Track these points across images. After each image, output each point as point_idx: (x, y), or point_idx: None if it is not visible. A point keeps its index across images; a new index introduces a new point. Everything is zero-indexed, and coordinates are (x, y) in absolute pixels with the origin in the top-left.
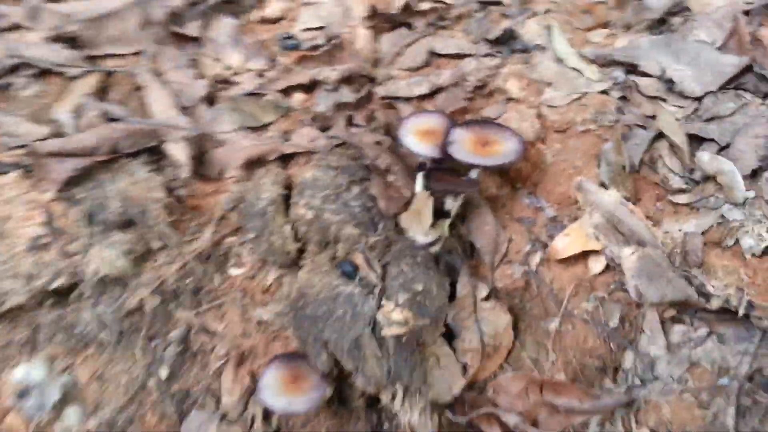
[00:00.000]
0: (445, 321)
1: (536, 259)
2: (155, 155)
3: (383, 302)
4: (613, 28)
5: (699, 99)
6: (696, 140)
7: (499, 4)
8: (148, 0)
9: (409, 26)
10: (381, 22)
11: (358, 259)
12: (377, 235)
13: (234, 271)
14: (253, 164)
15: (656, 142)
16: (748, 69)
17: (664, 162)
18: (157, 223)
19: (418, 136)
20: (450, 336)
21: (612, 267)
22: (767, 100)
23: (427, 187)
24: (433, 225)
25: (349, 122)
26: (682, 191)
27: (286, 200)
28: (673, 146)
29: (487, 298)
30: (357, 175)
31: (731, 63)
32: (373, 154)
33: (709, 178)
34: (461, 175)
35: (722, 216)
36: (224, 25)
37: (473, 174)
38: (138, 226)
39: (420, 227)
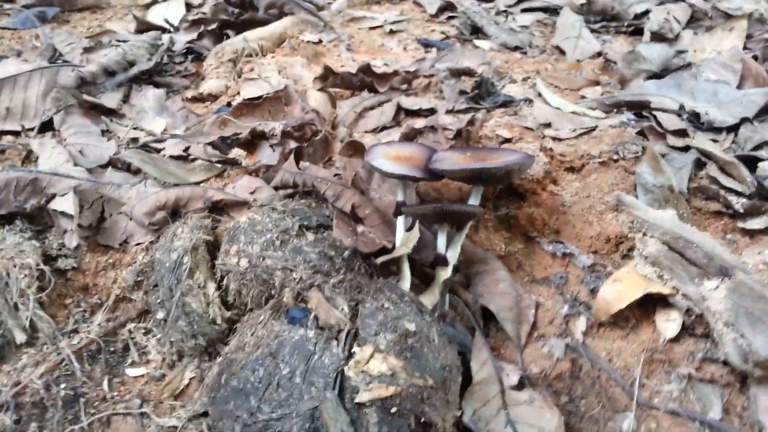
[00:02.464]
0: (459, 408)
1: (580, 325)
2: (37, 223)
3: (355, 349)
4: (606, 86)
5: (732, 130)
6: (746, 164)
7: (470, 74)
8: (57, 66)
9: (370, 89)
10: (337, 85)
11: (313, 299)
12: (341, 275)
13: (131, 372)
14: (167, 218)
15: (699, 170)
16: None
17: (720, 185)
18: (22, 305)
19: (390, 160)
20: None
21: (692, 323)
22: None
23: (411, 224)
24: (420, 289)
25: (299, 160)
26: (754, 214)
27: (212, 252)
28: (725, 168)
29: (519, 387)
30: (312, 221)
31: (759, 93)
32: (332, 193)
33: None
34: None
35: None
36: (148, 96)
37: (472, 201)
38: None
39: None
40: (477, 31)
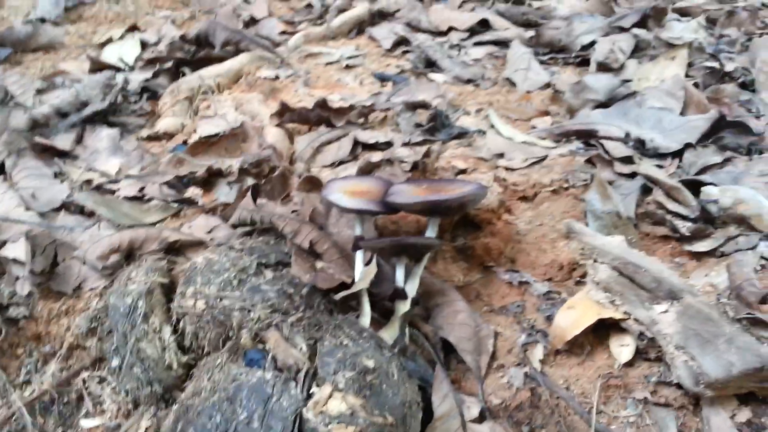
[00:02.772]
0: None
1: (537, 353)
2: None
3: (314, 389)
4: (556, 116)
5: (677, 155)
6: (690, 189)
7: (426, 107)
8: (9, 108)
9: (327, 124)
10: (294, 120)
11: (271, 339)
12: (300, 312)
13: (86, 423)
14: (122, 261)
15: (646, 196)
16: (720, 121)
17: (666, 210)
18: None
19: (347, 194)
20: None
21: (645, 347)
22: (752, 155)
23: (369, 259)
24: (380, 324)
25: (256, 197)
26: (700, 237)
27: (168, 295)
28: (670, 193)
29: (480, 420)
30: (270, 258)
31: (701, 119)
32: (290, 230)
33: (727, 216)
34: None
35: (762, 256)
36: (102, 136)
37: (429, 233)
38: None
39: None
40: (431, 65)
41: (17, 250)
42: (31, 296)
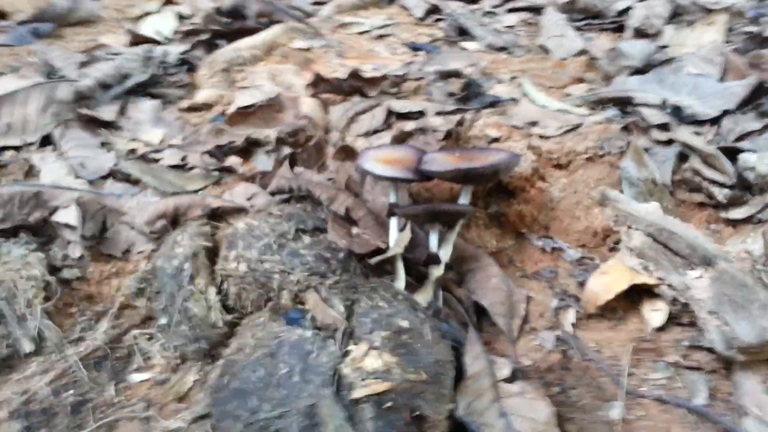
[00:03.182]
0: (452, 402)
1: (569, 317)
2: (41, 235)
3: (350, 347)
4: (591, 83)
5: (715, 122)
6: (728, 156)
7: (458, 75)
8: (54, 81)
9: (361, 94)
10: (328, 91)
11: (310, 300)
12: (337, 276)
13: (136, 377)
14: (168, 226)
15: (682, 163)
16: (759, 87)
17: (702, 177)
18: (29, 315)
19: (382, 162)
20: None
21: (677, 312)
22: None
23: (403, 225)
24: (415, 288)
25: (293, 165)
26: (736, 204)
27: (212, 258)
28: (707, 160)
29: (511, 380)
30: (308, 224)
31: (740, 85)
32: (326, 197)
33: (764, 183)
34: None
35: None
36: (144, 107)
37: (462, 200)
38: (2, 320)
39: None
40: (463, 33)
41: (69, 215)
42: (82, 259)
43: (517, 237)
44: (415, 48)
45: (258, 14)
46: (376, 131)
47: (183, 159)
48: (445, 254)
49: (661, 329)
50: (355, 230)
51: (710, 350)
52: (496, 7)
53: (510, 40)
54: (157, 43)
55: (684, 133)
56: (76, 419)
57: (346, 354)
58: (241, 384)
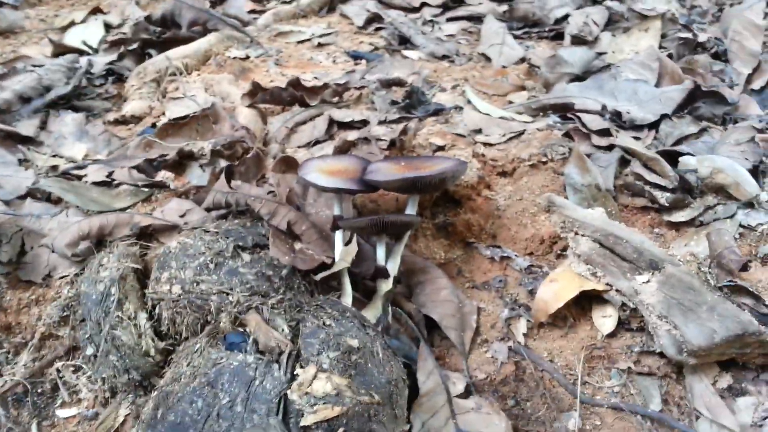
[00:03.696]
0: (407, 422)
1: (521, 327)
2: None
3: (297, 371)
4: (532, 90)
5: (653, 127)
6: (668, 160)
7: (401, 84)
8: None
9: (301, 103)
10: (266, 101)
11: (252, 322)
12: (280, 294)
13: (62, 413)
14: (92, 248)
15: (624, 168)
16: (695, 91)
17: (645, 181)
18: None
19: (325, 173)
20: None
21: (627, 317)
22: (728, 124)
23: (349, 238)
24: (362, 304)
25: (230, 179)
26: (679, 207)
27: (142, 281)
28: (648, 164)
29: (466, 395)
30: (247, 241)
31: (677, 89)
32: (266, 211)
33: (705, 185)
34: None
35: (741, 224)
36: (67, 121)
37: (409, 210)
38: None
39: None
40: (405, 42)
41: None
42: None
43: (465, 247)
44: (356, 57)
45: (191, 23)
46: (317, 141)
47: (109, 175)
48: (393, 267)
49: (612, 335)
50: (298, 245)
51: (661, 355)
52: (436, 16)
53: (451, 48)
54: (82, 53)
55: (624, 138)
56: None
57: (292, 379)
58: (177, 417)
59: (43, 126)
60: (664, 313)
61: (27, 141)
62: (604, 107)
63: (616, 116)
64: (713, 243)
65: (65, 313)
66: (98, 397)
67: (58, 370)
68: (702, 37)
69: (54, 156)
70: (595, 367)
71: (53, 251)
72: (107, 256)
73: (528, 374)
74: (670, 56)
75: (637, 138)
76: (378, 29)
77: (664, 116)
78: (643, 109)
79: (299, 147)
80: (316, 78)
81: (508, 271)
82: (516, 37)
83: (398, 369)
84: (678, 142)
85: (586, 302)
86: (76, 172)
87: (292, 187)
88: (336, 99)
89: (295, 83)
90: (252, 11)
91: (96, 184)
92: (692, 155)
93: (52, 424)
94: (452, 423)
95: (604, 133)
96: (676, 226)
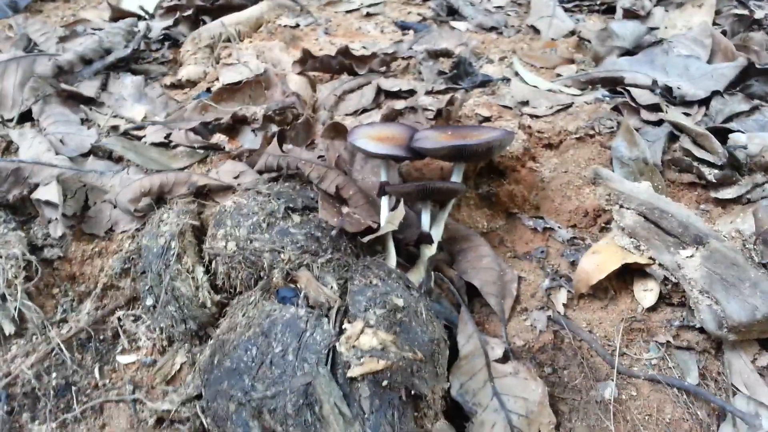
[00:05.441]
0: (447, 381)
1: (561, 297)
2: (21, 213)
3: (345, 325)
4: (581, 63)
5: (704, 103)
6: (717, 136)
7: (448, 55)
8: (33, 55)
9: (349, 72)
10: (316, 68)
11: (302, 278)
12: (329, 254)
13: (122, 359)
14: (152, 204)
15: (672, 143)
16: (748, 69)
17: (693, 157)
18: (9, 296)
19: (373, 140)
20: (458, 417)
21: (668, 291)
22: None
23: (395, 205)
24: (405, 268)
25: (282, 143)
26: (726, 184)
27: (199, 237)
28: (697, 140)
29: (504, 360)
30: (297, 203)
31: (729, 66)
32: (316, 175)
33: (754, 163)
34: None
35: None
36: (126, 83)
37: (454, 179)
38: None
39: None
40: (453, 13)
41: (49, 192)
42: (64, 238)
43: (508, 217)
44: (404, 27)
45: None
46: (365, 110)
47: (167, 136)
48: (437, 234)
49: (652, 309)
50: (345, 209)
51: (701, 330)
52: None
53: (500, 20)
54: (139, 18)
55: (674, 114)
56: (60, 403)
57: (341, 332)
58: (233, 364)
59: (103, 87)
60: (706, 288)
61: (89, 101)
62: (654, 82)
63: (667, 92)
64: (759, 220)
65: (126, 266)
66: (156, 345)
67: (119, 319)
68: (758, 14)
69: (114, 116)
70: (633, 339)
71: (116, 206)
72: (167, 212)
73: (566, 343)
74: (723, 33)
75: (687, 114)
76: (426, 0)
77: (715, 93)
78: (694, 86)
79: (347, 114)
80: (364, 47)
81: (550, 242)
82: (566, 9)
83: (440, 330)
84: (728, 119)
85: (627, 275)
86: (135, 132)
87: (340, 153)
88: (384, 68)
89: (344, 52)
90: None
91: (155, 144)
92: (742, 132)
93: (113, 369)
94: (490, 385)
95: (654, 108)
96: (723, 203)
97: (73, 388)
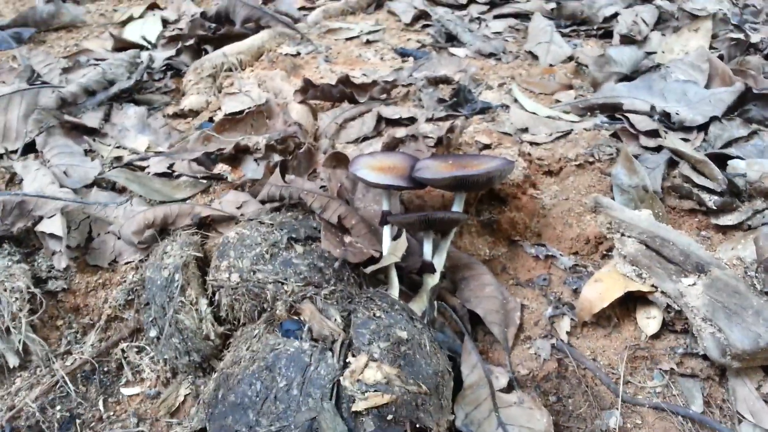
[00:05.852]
0: (452, 413)
1: (564, 325)
2: (25, 245)
3: (349, 359)
4: (579, 89)
5: (702, 129)
6: (716, 162)
7: (447, 82)
8: (37, 87)
9: (350, 100)
10: (317, 97)
11: (306, 311)
12: (332, 285)
13: (126, 391)
14: (156, 236)
15: (672, 170)
16: (746, 94)
17: (693, 183)
18: (14, 329)
19: (374, 170)
20: None
21: (671, 319)
22: None
23: (397, 234)
24: (408, 297)
25: (284, 173)
26: (726, 210)
27: (202, 268)
28: (696, 167)
29: (508, 389)
30: (300, 233)
31: (727, 91)
32: (318, 205)
33: (754, 189)
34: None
35: None
36: (129, 114)
37: (455, 207)
38: None
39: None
40: (452, 39)
41: (53, 225)
42: (68, 270)
43: (510, 244)
44: (403, 54)
45: (245, 20)
46: (366, 138)
47: (170, 167)
48: (440, 262)
49: (655, 336)
50: (347, 239)
51: (704, 357)
52: (483, 13)
53: (498, 46)
54: (142, 48)
55: (673, 140)
56: None
57: (345, 366)
58: (237, 398)
59: (107, 118)
60: (708, 316)
61: (92, 132)
62: (652, 108)
63: (665, 117)
64: (760, 247)
65: (130, 297)
66: (160, 377)
67: (123, 351)
68: (755, 38)
69: (118, 147)
70: (637, 367)
71: (119, 238)
72: (171, 244)
73: (570, 372)
74: (720, 57)
75: (685, 140)
76: (425, 26)
77: (713, 118)
78: (693, 111)
79: (348, 143)
80: (364, 75)
81: (552, 270)
82: (564, 35)
83: (444, 361)
84: (727, 144)
85: (630, 303)
86: (139, 163)
87: (342, 182)
88: (384, 96)
89: (345, 80)
90: (302, 8)
91: (158, 175)
92: (741, 158)
93: (117, 401)
94: (495, 416)
95: (653, 134)
96: (724, 230)
97: (78, 420)
